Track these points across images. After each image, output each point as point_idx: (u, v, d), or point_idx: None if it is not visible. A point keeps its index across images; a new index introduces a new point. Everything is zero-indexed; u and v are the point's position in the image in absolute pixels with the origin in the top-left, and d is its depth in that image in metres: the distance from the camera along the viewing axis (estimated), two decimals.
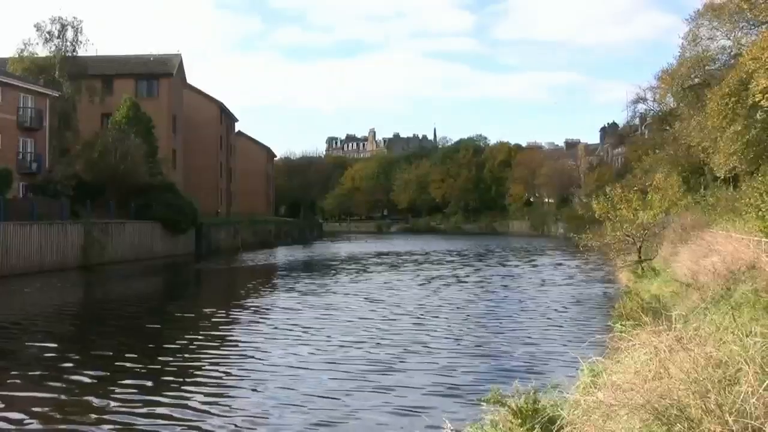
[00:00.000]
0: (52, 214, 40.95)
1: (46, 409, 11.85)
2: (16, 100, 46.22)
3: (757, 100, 24.10)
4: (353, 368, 14.61)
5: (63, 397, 12.67)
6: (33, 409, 11.75)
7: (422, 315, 22.64)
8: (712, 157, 30.90)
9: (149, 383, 13.50)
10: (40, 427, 10.98)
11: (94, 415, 11.39)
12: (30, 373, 14.40)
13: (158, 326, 22.01)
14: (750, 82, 24.83)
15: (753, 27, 31.36)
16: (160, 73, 66.27)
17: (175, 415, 11.42)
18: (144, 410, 11.63)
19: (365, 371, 14.36)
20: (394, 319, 21.72)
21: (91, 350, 17.34)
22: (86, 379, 13.86)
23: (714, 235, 21.14)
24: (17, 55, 53.65)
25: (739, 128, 26.43)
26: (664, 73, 38.04)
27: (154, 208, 51.12)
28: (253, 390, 13.09)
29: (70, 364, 15.28)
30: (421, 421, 10.35)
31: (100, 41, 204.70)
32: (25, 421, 11.13)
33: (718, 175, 32.04)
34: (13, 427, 10.85)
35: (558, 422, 6.49)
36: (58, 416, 11.46)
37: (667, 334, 7.04)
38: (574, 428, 6.07)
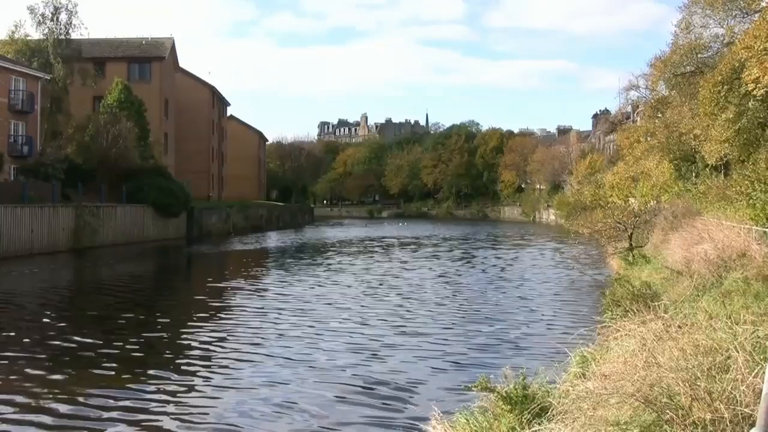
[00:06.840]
0: (43, 197, 40.79)
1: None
2: (8, 83, 45.92)
3: (749, 89, 24.12)
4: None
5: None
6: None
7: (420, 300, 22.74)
8: (703, 145, 30.90)
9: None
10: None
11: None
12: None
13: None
14: (742, 70, 24.85)
15: (746, 15, 31.38)
16: (152, 57, 65.91)
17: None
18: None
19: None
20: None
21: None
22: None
23: (705, 223, 21.19)
24: (8, 37, 53.25)
25: (731, 116, 26.44)
26: (657, 61, 37.96)
27: (146, 192, 51.02)
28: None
29: None
30: (409, 410, 10.33)
31: (93, 24, 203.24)
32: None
33: (709, 162, 32.09)
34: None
35: (550, 411, 6.52)
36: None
37: (655, 323, 7.08)
38: (565, 416, 6.11)
